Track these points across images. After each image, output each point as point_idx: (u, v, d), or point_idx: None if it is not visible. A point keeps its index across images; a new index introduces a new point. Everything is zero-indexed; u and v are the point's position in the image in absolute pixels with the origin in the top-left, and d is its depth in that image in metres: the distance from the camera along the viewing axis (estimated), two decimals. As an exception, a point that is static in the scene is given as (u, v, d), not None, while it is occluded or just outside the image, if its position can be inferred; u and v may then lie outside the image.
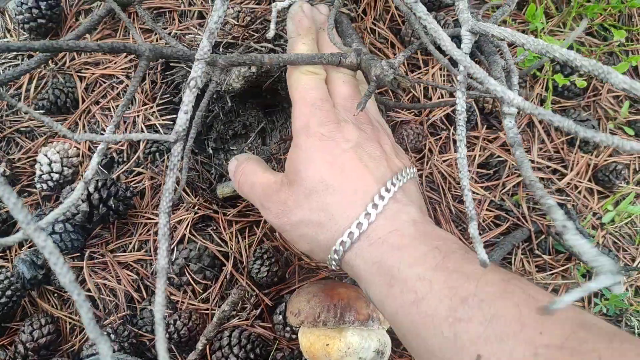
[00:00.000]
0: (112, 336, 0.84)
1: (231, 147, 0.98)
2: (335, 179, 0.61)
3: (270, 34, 0.70)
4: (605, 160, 0.99)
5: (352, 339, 0.77)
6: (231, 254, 0.90)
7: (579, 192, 0.97)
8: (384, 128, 0.73)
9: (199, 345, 0.81)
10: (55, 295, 0.89)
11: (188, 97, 0.63)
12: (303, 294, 0.80)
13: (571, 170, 0.97)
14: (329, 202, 0.61)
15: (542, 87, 1.00)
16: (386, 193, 0.61)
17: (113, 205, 0.88)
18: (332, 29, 0.75)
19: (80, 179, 0.92)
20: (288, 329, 0.87)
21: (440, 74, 0.96)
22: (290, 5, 0.68)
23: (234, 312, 0.89)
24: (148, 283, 0.90)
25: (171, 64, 0.96)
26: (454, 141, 0.97)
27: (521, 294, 0.50)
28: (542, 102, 0.99)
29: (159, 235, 0.59)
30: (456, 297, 0.51)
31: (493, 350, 0.47)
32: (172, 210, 0.92)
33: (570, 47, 0.96)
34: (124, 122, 0.95)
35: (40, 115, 0.51)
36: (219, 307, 0.87)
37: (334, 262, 0.63)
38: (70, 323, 0.88)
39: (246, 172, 0.72)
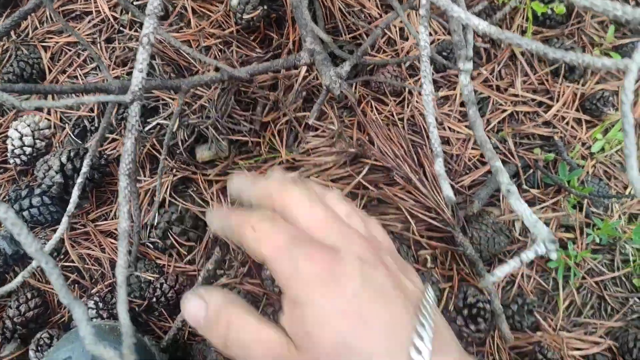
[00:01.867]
0: (100, 304, 0.83)
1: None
2: (359, 337, 0.46)
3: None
4: (592, 89, 0.96)
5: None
6: (213, 214, 0.89)
7: (567, 123, 0.94)
8: (374, 229, 0.58)
9: (187, 306, 0.80)
10: (40, 269, 0.88)
11: (142, 55, 0.60)
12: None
13: (557, 101, 0.94)
14: None
15: (523, 18, 0.96)
16: (421, 342, 0.47)
17: (88, 175, 0.86)
18: (305, 7, 0.76)
19: (54, 151, 0.90)
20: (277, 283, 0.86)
21: (416, 14, 0.92)
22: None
23: (222, 271, 0.88)
24: (132, 249, 0.88)
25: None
26: (434, 81, 0.94)
27: None
28: (523, 32, 0.95)
29: (119, 198, 0.57)
30: None
31: None
32: (151, 174, 0.90)
33: (548, -28, 0.92)
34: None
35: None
36: (205, 267, 0.86)
37: None
38: (57, 295, 0.88)
39: (235, 326, 0.50)
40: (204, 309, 0.51)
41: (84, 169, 0.74)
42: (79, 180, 0.74)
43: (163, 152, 0.78)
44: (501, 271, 0.50)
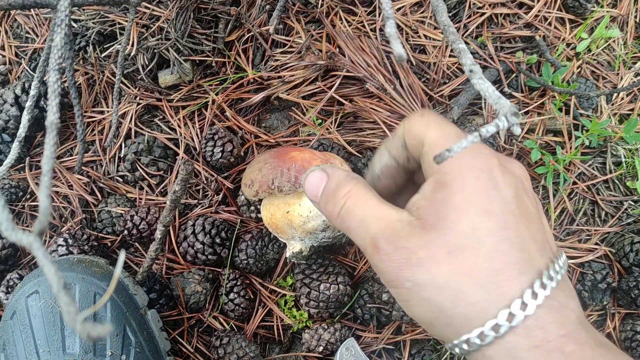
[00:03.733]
0: (70, 241, 0.79)
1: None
2: (492, 238, 0.44)
3: None
4: (575, -14, 0.90)
5: (313, 201, 0.72)
6: (182, 141, 0.84)
7: (549, 24, 0.89)
8: None
9: (158, 234, 0.76)
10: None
11: None
12: (255, 163, 0.75)
13: (538, 1, 0.89)
14: (479, 267, 0.44)
15: None
16: (549, 281, 0.44)
17: (45, 106, 0.82)
18: None
19: (9, 87, 0.86)
20: (253, 208, 0.82)
21: None
22: None
23: (196, 201, 0.84)
24: (101, 184, 0.84)
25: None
26: (407, -12, 0.89)
27: None
28: None
29: (48, 93, 0.53)
30: None
31: None
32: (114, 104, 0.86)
33: None
34: (46, 21, 0.88)
35: None
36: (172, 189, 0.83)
37: (457, 350, 0.46)
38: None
39: (355, 199, 0.50)
40: (325, 181, 0.52)
41: (33, 91, 0.70)
42: (28, 103, 0.70)
43: (117, 72, 0.74)
44: (458, 147, 0.46)
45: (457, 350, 0.46)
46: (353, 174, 0.53)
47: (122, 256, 0.40)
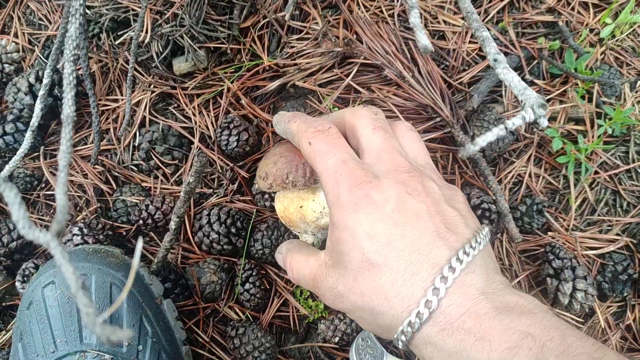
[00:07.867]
0: (85, 230, 0.79)
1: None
2: (380, 256, 0.51)
3: None
4: (599, -31, 0.88)
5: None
6: (197, 129, 0.83)
7: (572, 9, 0.87)
8: (431, 169, 0.61)
9: (172, 225, 0.75)
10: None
11: None
12: (270, 155, 0.73)
13: (561, -15, 0.86)
14: (378, 285, 0.52)
15: None
16: (450, 273, 0.49)
17: (59, 94, 0.81)
18: None
19: (23, 75, 0.85)
20: (267, 196, 0.81)
21: None
22: None
23: (212, 191, 0.83)
24: (116, 173, 0.84)
25: None
26: (425, -28, 0.87)
27: None
28: None
29: (64, 85, 0.52)
30: None
31: None
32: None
33: None
34: (59, 8, 0.87)
35: None
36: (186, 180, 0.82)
37: (401, 344, 0.52)
38: (40, 221, 0.84)
39: (294, 268, 0.65)
40: (281, 260, 0.70)
41: (45, 80, 0.69)
42: (41, 92, 0.69)
43: (131, 59, 0.73)
44: (483, 140, 0.46)
45: (400, 344, 0.52)
46: (289, 244, 0.69)
47: (139, 244, 0.39)
